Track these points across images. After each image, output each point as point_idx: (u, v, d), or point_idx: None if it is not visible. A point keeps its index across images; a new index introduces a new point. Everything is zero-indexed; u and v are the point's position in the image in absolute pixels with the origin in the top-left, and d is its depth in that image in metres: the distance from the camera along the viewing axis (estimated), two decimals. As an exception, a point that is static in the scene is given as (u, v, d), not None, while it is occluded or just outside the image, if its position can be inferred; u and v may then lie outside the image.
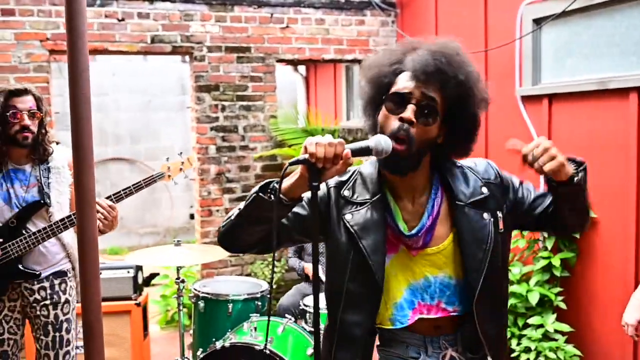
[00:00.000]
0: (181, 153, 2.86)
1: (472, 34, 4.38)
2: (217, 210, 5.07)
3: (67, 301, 2.69)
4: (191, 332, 3.54)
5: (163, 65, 7.77)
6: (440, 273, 1.60)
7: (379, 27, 5.46)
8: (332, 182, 1.66)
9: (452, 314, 1.60)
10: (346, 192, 1.64)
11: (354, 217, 1.60)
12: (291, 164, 1.43)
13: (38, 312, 2.62)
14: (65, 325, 2.66)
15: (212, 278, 3.97)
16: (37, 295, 2.62)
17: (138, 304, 3.87)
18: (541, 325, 3.47)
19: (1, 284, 2.57)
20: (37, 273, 2.60)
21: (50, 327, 2.62)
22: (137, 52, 4.82)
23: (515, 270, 3.69)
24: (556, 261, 3.51)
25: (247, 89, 5.10)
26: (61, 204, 2.65)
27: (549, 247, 3.57)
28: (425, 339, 1.62)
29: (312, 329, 3.17)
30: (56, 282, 2.66)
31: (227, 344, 2.94)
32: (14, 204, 2.56)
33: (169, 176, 2.77)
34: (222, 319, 3.37)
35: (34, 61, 4.53)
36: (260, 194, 1.51)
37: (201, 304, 3.39)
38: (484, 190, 1.63)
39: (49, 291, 2.63)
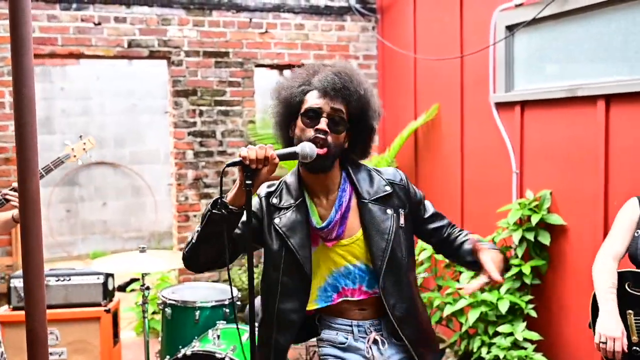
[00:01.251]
0: (81, 136, 3.14)
1: (449, 40, 4.37)
2: (195, 216, 5.04)
3: None
4: (159, 339, 3.51)
5: (147, 69, 7.74)
6: (357, 261, 1.87)
7: (359, 32, 5.45)
8: (262, 193, 1.94)
9: (373, 295, 1.87)
10: (274, 200, 1.91)
11: (282, 220, 1.87)
12: (228, 165, 1.65)
13: None
14: None
15: (182, 285, 3.94)
16: None
17: (108, 311, 3.83)
18: (511, 334, 3.45)
19: None
20: None
21: None
22: (113, 56, 4.80)
23: (487, 278, 3.67)
24: (527, 269, 3.49)
25: (225, 94, 5.08)
26: None
27: (520, 255, 3.55)
28: (352, 323, 1.89)
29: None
30: None
31: (189, 352, 2.91)
32: None
33: (75, 156, 3.03)
34: (189, 326, 3.32)
35: (8, 65, 4.50)
36: (213, 210, 1.71)
37: (168, 310, 3.35)
38: (387, 188, 1.91)
39: None
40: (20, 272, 3.96)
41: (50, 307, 3.76)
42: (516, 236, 3.52)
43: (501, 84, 3.89)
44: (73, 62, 7.79)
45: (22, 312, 3.73)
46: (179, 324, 3.35)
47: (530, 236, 3.49)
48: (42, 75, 7.70)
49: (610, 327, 2.23)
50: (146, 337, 3.32)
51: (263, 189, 1.93)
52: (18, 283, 3.79)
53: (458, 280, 3.79)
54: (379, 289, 1.83)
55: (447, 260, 3.81)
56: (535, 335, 3.41)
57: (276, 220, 1.87)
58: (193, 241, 1.81)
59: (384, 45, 5.33)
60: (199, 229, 1.77)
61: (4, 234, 2.81)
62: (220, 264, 1.83)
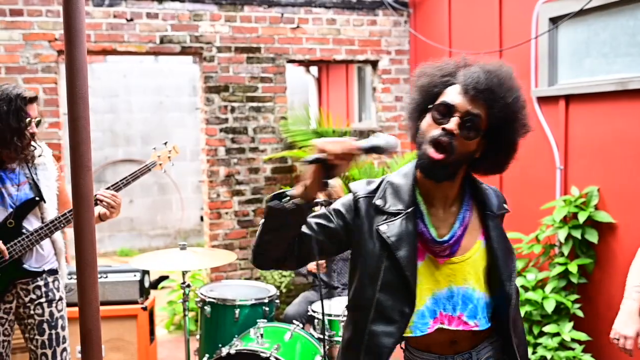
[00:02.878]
0: (166, 143, 3.01)
1: (486, 34, 4.28)
2: (227, 213, 5.00)
3: (60, 298, 2.69)
4: (197, 337, 3.48)
5: (174, 66, 7.73)
6: (465, 284, 1.59)
7: (391, 27, 5.37)
8: (361, 192, 1.67)
9: (472, 328, 1.59)
10: (379, 202, 1.64)
11: (390, 227, 1.60)
12: (309, 162, 1.47)
13: (32, 312, 2.58)
14: (60, 322, 2.65)
15: (219, 282, 3.90)
16: (32, 295, 2.58)
17: (144, 308, 3.81)
18: (557, 334, 3.36)
19: (3, 286, 2.52)
20: (40, 271, 2.59)
21: (45, 325, 2.59)
22: (145, 52, 4.77)
23: (531, 277, 3.59)
24: (573, 267, 3.40)
25: (257, 90, 5.04)
26: (51, 199, 2.64)
27: (566, 253, 3.46)
28: (439, 358, 1.62)
29: (321, 336, 3.12)
30: (50, 279, 2.64)
31: (232, 351, 2.87)
32: (8, 204, 2.52)
33: (160, 164, 2.92)
34: (228, 324, 3.29)
35: (42, 62, 4.50)
36: (275, 201, 1.52)
37: (207, 308, 3.31)
38: (505, 206, 1.72)
39: (43, 289, 2.61)
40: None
41: (88, 304, 3.76)
42: (562, 234, 3.43)
43: (544, 77, 3.79)
44: (100, 60, 7.81)
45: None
46: (219, 322, 3.31)
47: (577, 234, 3.39)
48: (69, 73, 7.72)
49: (625, 325, 2.28)
50: (186, 335, 3.29)
51: (362, 187, 1.68)
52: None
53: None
54: (480, 320, 1.59)
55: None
56: (583, 336, 3.32)
57: (382, 227, 1.60)
58: (257, 237, 1.61)
59: (416, 40, 5.24)
60: (262, 222, 1.59)
61: None
62: (290, 263, 1.62)
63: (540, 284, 3.61)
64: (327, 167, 1.47)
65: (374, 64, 5.44)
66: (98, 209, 2.66)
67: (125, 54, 4.87)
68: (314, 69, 8.40)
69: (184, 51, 4.86)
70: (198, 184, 8.04)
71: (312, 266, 3.96)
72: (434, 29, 4.99)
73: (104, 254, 8.06)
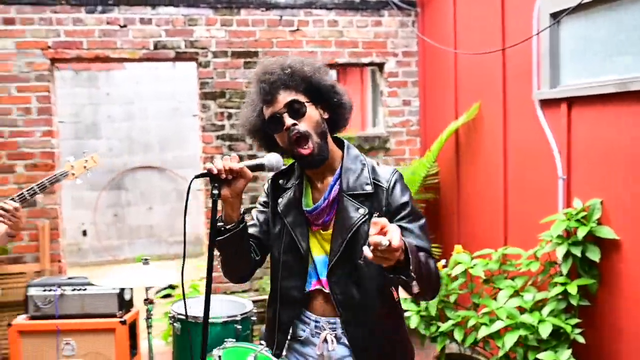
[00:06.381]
0: (84, 152, 3.01)
1: (490, 32, 3.99)
2: (224, 222, 4.85)
3: None
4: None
5: (189, 71, 7.67)
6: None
7: (397, 27, 5.11)
8: (271, 174, 1.94)
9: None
10: (280, 181, 1.93)
11: (282, 199, 1.89)
12: (196, 177, 1.67)
13: None
14: None
15: (199, 297, 3.75)
16: None
17: (123, 322, 3.69)
18: (554, 362, 3.03)
19: None
20: None
21: None
22: (139, 59, 4.68)
23: (528, 297, 3.27)
24: (572, 288, 3.07)
25: (255, 96, 4.87)
26: None
27: (565, 272, 3.14)
28: (313, 317, 1.88)
29: None
30: None
31: (187, 375, 2.70)
32: None
33: (73, 174, 2.90)
34: (197, 343, 3.12)
35: (35, 70, 4.46)
36: (218, 238, 1.74)
37: (177, 325, 3.16)
38: (367, 187, 1.82)
39: None
40: (37, 280, 3.88)
41: (67, 316, 3.68)
42: (560, 251, 3.11)
43: (546, 79, 3.48)
44: (118, 67, 7.83)
45: (40, 321, 3.66)
46: (188, 340, 3.15)
47: (577, 251, 3.06)
48: (88, 81, 7.78)
49: None
50: (150, 353, 3.14)
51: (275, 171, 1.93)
52: (35, 292, 3.71)
53: (495, 299, 3.41)
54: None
55: (482, 276, 3.45)
56: (582, 365, 2.99)
57: (279, 200, 1.89)
58: (220, 265, 1.88)
59: (425, 40, 4.97)
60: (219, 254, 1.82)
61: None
62: (253, 271, 1.93)
63: (540, 305, 3.29)
64: (214, 180, 1.66)
65: (380, 66, 5.20)
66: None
67: (119, 61, 4.80)
68: (332, 73, 8.20)
69: (179, 57, 4.75)
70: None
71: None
72: (440, 30, 4.71)
73: (124, 260, 8.07)
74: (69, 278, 3.83)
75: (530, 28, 3.56)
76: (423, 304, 3.64)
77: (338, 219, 1.81)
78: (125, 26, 4.59)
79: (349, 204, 1.80)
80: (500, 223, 3.93)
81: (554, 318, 3.11)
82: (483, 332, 3.26)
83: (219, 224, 1.73)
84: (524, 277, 3.43)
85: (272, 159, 1.74)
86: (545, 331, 3.04)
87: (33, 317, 3.70)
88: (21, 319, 3.71)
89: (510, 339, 3.13)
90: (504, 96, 3.88)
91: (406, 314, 3.66)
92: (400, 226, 1.70)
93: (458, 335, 3.47)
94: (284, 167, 1.90)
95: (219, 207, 1.67)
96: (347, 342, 1.84)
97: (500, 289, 3.43)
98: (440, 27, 4.72)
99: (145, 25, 4.63)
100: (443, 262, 3.63)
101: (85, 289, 3.72)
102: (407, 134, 5.19)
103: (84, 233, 7.98)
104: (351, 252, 1.79)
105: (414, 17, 5.12)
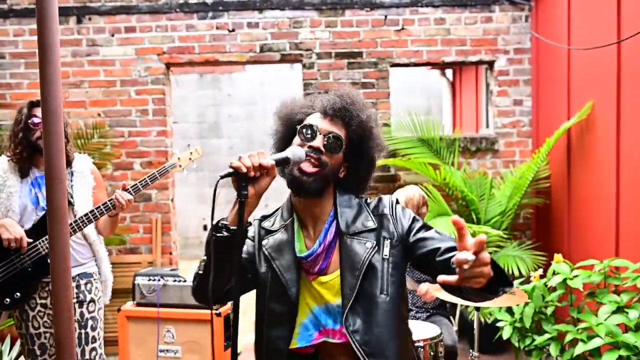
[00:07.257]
0: (189, 145, 3.00)
1: (604, 25, 3.64)
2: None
3: (92, 300, 2.82)
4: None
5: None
6: (337, 300, 1.69)
7: (509, 23, 4.84)
8: (258, 216, 1.85)
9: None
10: (266, 224, 1.82)
11: (269, 241, 1.77)
12: (221, 177, 1.54)
13: None
14: (90, 322, 2.78)
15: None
16: None
17: (218, 314, 3.85)
18: (661, 391, 2.70)
19: (32, 282, 2.70)
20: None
21: (76, 325, 2.71)
22: (246, 62, 4.86)
23: (633, 315, 2.94)
24: (687, 310, 2.72)
25: (357, 96, 4.85)
26: (85, 206, 2.79)
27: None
28: None
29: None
30: (82, 282, 2.79)
31: None
32: (41, 207, 2.69)
33: (180, 166, 3.00)
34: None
35: (152, 74, 4.80)
36: (217, 234, 1.58)
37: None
38: (370, 224, 1.73)
39: (75, 291, 2.75)
40: (144, 270, 4.17)
41: (168, 305, 3.91)
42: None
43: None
44: (239, 69, 8.19)
45: (145, 309, 3.93)
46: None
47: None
48: (211, 82, 8.22)
49: None
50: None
51: (260, 214, 1.86)
52: (141, 280, 3.98)
53: (596, 315, 3.10)
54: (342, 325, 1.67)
55: (581, 289, 3.16)
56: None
57: (264, 242, 1.77)
58: (200, 272, 1.65)
59: (537, 37, 4.65)
60: (204, 258, 1.62)
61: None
62: (230, 295, 1.65)
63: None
64: (241, 179, 1.54)
65: (490, 64, 4.95)
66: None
67: (227, 64, 5.01)
68: (448, 73, 7.95)
69: (284, 59, 4.86)
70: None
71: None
72: (554, 24, 4.39)
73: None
74: (172, 270, 4.07)
75: (649, 18, 3.20)
76: (517, 314, 3.42)
77: (344, 259, 1.69)
78: (233, 30, 4.79)
79: (353, 241, 1.70)
80: (612, 232, 3.57)
81: (662, 341, 2.77)
82: (580, 348, 2.99)
83: (222, 222, 1.59)
84: (631, 293, 3.10)
85: (297, 152, 1.64)
86: (650, 355, 2.72)
87: (139, 304, 3.98)
88: (129, 305, 4.01)
89: (609, 359, 2.83)
90: (617, 94, 3.52)
91: (499, 324, 3.46)
92: (419, 239, 1.69)
93: (554, 350, 3.22)
94: (270, 211, 1.85)
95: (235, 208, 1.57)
96: None
97: (603, 304, 3.12)
98: (553, 21, 4.40)
99: (252, 29, 4.79)
100: (540, 271, 3.38)
101: (184, 281, 3.93)
102: (517, 135, 4.89)
103: (205, 228, 8.44)
104: (368, 291, 1.66)
105: (527, 12, 4.82)
